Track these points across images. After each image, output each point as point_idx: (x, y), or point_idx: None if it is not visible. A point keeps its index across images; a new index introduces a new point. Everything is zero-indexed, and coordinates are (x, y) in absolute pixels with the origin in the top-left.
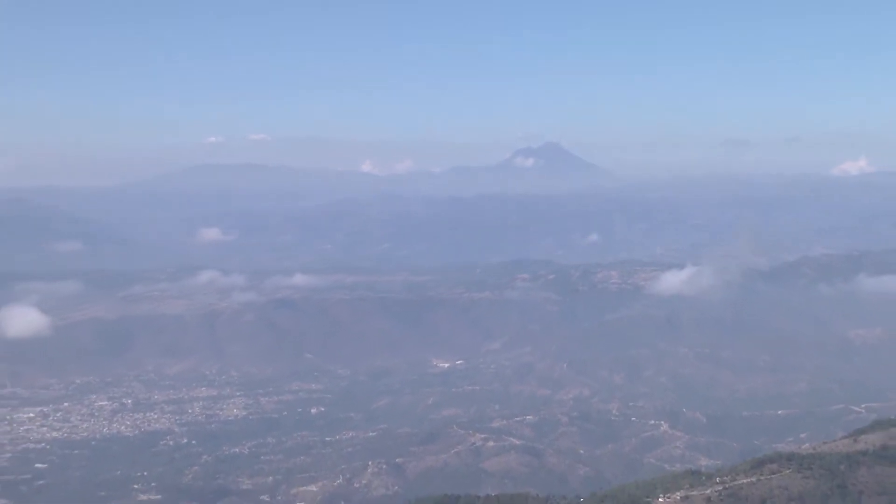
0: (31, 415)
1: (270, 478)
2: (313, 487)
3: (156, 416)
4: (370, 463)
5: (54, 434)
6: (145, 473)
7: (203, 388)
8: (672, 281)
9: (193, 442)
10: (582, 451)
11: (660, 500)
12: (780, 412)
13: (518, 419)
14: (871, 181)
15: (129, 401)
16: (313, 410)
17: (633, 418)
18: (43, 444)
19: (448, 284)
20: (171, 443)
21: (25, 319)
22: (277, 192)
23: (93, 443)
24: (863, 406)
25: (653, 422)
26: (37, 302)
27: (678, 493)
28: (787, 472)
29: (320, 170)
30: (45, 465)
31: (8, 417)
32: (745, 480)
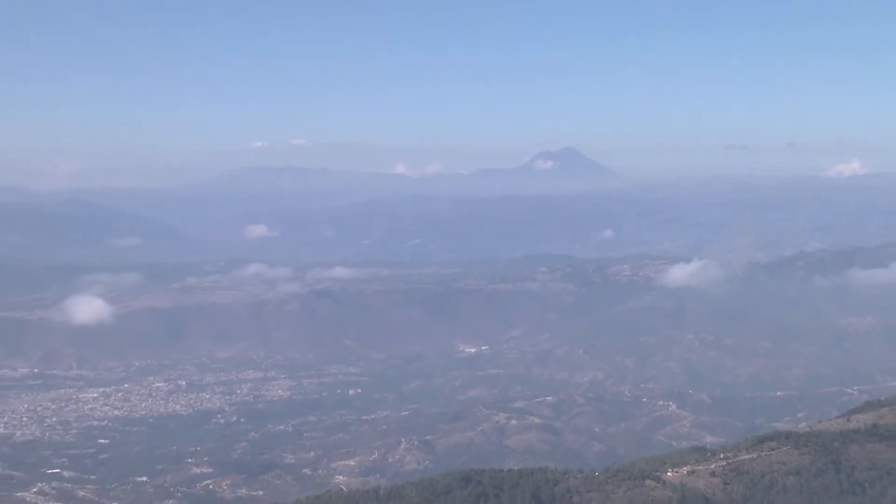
0: (95, 395)
1: (312, 453)
2: (351, 462)
3: (208, 397)
4: (403, 440)
5: (116, 412)
6: (198, 448)
7: (251, 371)
8: (679, 274)
9: (242, 420)
10: (597, 430)
11: (668, 473)
12: (778, 394)
13: (538, 400)
14: (863, 182)
15: (184, 382)
16: (351, 392)
17: (644, 399)
18: (105, 422)
19: (473, 277)
20: (221, 421)
21: (90, 308)
22: (318, 192)
23: (150, 420)
24: (855, 388)
25: (661, 402)
26: (100, 292)
27: (685, 468)
28: (786, 448)
29: (357, 172)
30: (108, 441)
31: (74, 397)
32: (746, 456)
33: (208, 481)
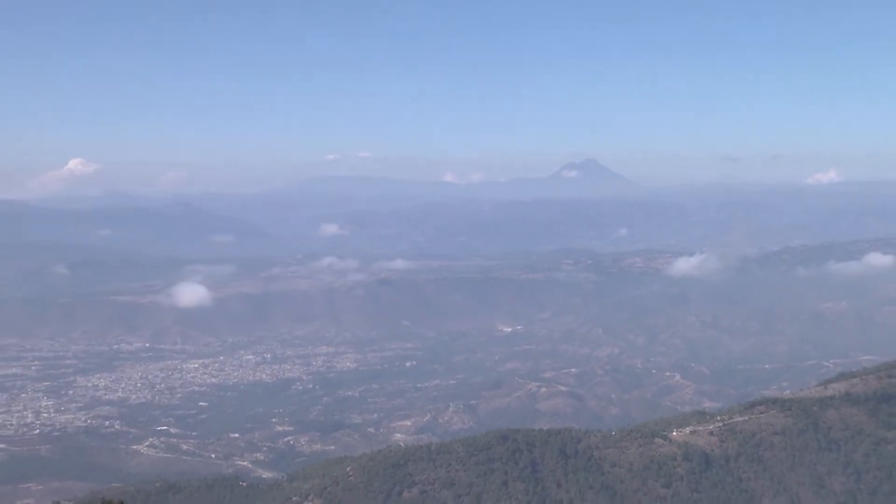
0: (196, 365)
1: (375, 415)
2: (407, 422)
3: (288, 367)
4: (451, 404)
5: (213, 380)
6: (281, 410)
7: (324, 346)
8: (683, 265)
9: (317, 387)
10: (613, 396)
11: (674, 433)
12: (766, 366)
13: (564, 371)
14: (838, 189)
15: (269, 355)
16: (407, 363)
17: (653, 371)
18: (204, 388)
19: (510, 268)
20: (300, 387)
21: (192, 293)
22: (380, 197)
23: (241, 387)
24: (831, 362)
25: (668, 373)
26: (200, 280)
27: (688, 428)
28: (772, 412)
29: (413, 180)
30: (206, 404)
31: (179, 367)
32: (739, 419)
33: (289, 438)
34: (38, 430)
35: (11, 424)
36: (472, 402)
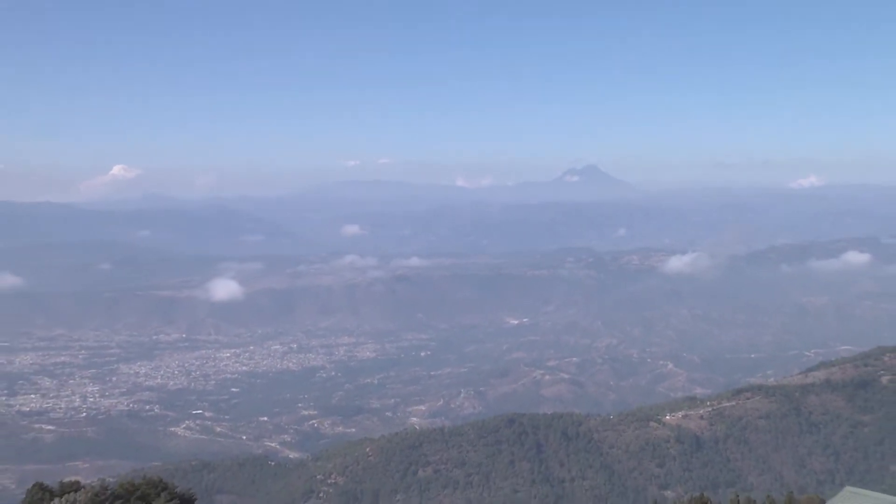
0: (228, 354)
1: (392, 400)
2: (422, 407)
3: (313, 356)
4: (462, 390)
5: (243, 368)
6: (306, 396)
7: (346, 337)
8: (676, 263)
9: (339, 374)
10: (612, 383)
11: (667, 417)
12: (752, 356)
13: (566, 360)
14: (819, 192)
15: (295, 345)
16: (422, 353)
17: (648, 360)
18: (236, 375)
19: (516, 265)
20: (323, 375)
21: (224, 288)
22: (397, 199)
23: (269, 374)
24: (812, 351)
25: (662, 362)
26: (232, 276)
27: (680, 413)
28: (758, 398)
29: (428, 184)
30: (238, 390)
31: (213, 356)
32: (727, 404)
33: (314, 421)
34: (84, 414)
35: (60, 408)
36: (481, 388)
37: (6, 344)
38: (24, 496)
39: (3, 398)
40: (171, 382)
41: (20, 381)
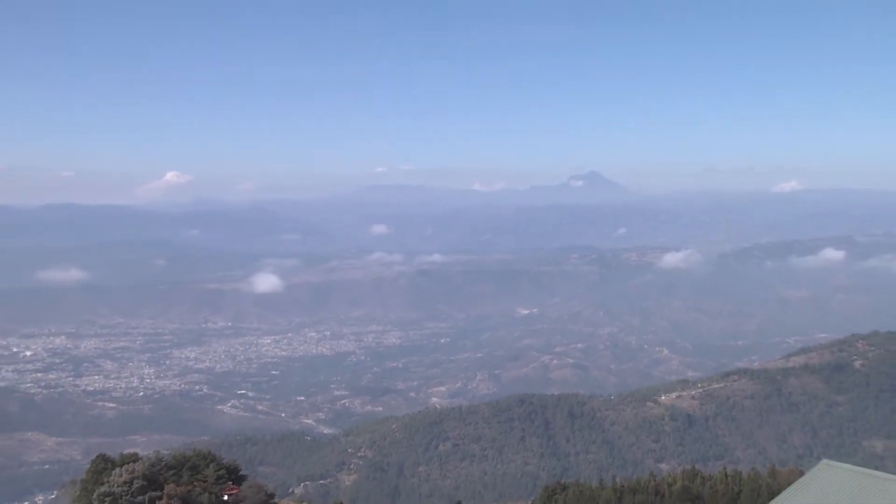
0: (269, 341)
1: (415, 382)
2: (442, 388)
3: (344, 343)
4: (478, 373)
5: (282, 353)
6: (338, 378)
7: (374, 325)
8: (671, 259)
9: (368, 359)
10: (612, 367)
11: (662, 397)
12: (739, 342)
13: (572, 346)
14: (799, 196)
15: (328, 333)
16: (442, 340)
17: (645, 346)
18: (276, 359)
19: (526, 261)
20: (354, 359)
21: (265, 281)
22: (419, 202)
23: (306, 358)
24: (792, 339)
25: (658, 348)
26: (272, 271)
27: (674, 394)
28: (744, 380)
29: (446, 188)
30: (277, 372)
31: (255, 342)
32: (716, 385)
33: (345, 400)
34: (141, 393)
35: (120, 388)
36: (495, 371)
37: (73, 331)
38: (88, 466)
39: (71, 379)
40: (218, 366)
41: (85, 364)
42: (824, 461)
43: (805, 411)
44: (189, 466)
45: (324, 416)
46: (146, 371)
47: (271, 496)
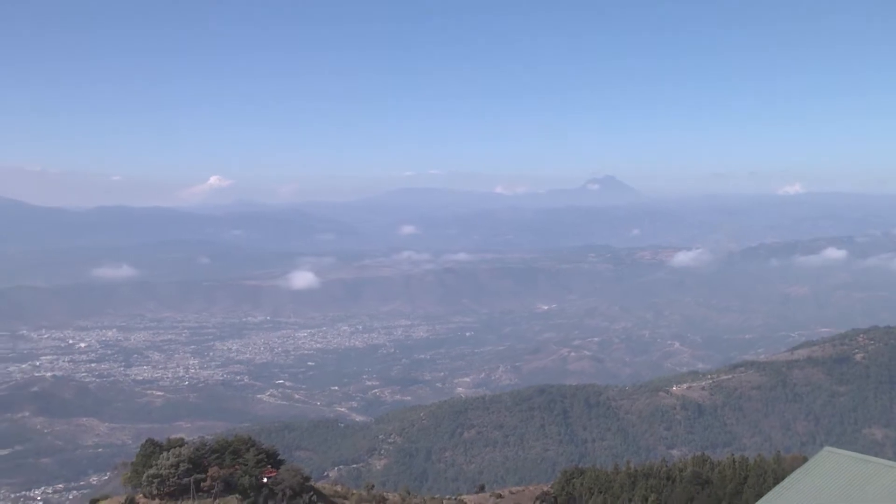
0: (305, 334)
1: (442, 373)
2: (467, 379)
3: (375, 336)
4: (500, 365)
5: (317, 345)
6: (369, 369)
7: (402, 320)
8: (682, 258)
9: (397, 351)
10: (627, 359)
11: (674, 388)
12: (746, 336)
13: (589, 340)
14: (801, 199)
15: (360, 327)
16: (467, 334)
17: (658, 339)
18: (311, 351)
19: (546, 260)
20: (384, 352)
21: (302, 278)
22: (446, 204)
23: (339, 351)
24: (796, 333)
25: (669, 342)
26: (308, 268)
27: (685, 385)
28: (750, 372)
29: (471, 191)
30: (313, 363)
31: (292, 335)
32: (725, 377)
33: (376, 390)
34: (187, 382)
35: (167, 377)
36: (517, 363)
37: (124, 324)
38: (138, 449)
39: (122, 369)
40: (258, 357)
41: (135, 355)
42: (826, 448)
43: (808, 401)
44: (231, 451)
45: (356, 405)
46: (191, 362)
47: (307, 479)
